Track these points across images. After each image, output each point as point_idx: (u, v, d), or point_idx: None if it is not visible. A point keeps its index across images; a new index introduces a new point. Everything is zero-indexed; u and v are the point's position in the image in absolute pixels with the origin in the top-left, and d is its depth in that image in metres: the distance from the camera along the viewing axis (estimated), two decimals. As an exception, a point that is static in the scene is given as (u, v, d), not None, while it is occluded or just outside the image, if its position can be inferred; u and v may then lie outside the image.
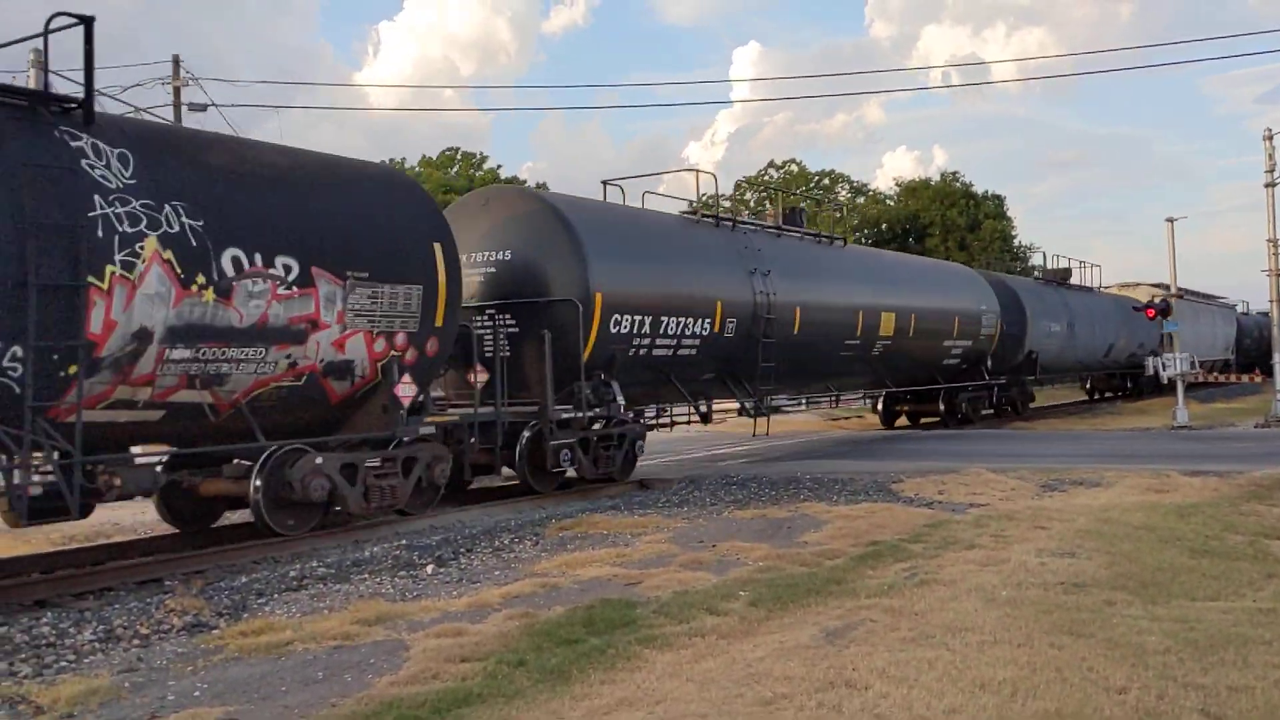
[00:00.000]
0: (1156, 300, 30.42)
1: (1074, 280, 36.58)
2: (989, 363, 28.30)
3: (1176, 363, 28.22)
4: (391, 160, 51.95)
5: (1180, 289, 38.45)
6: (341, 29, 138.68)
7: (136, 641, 7.71)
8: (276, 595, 9.09)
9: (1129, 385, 41.84)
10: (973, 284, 28.20)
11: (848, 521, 11.89)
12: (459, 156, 57.95)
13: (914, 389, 26.31)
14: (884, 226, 58.90)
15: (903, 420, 29.48)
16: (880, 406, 29.52)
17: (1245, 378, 40.75)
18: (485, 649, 7.01)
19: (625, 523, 12.31)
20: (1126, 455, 18.43)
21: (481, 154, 62.01)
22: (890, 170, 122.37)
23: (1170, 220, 36.10)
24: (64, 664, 7.17)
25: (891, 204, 61.88)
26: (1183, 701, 5.66)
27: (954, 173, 64.01)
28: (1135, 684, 5.91)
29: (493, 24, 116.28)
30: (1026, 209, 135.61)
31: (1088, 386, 43.19)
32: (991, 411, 29.99)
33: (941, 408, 27.42)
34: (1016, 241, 62.76)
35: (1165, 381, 30.81)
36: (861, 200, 64.02)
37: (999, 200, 62.61)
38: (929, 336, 25.03)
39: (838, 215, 63.10)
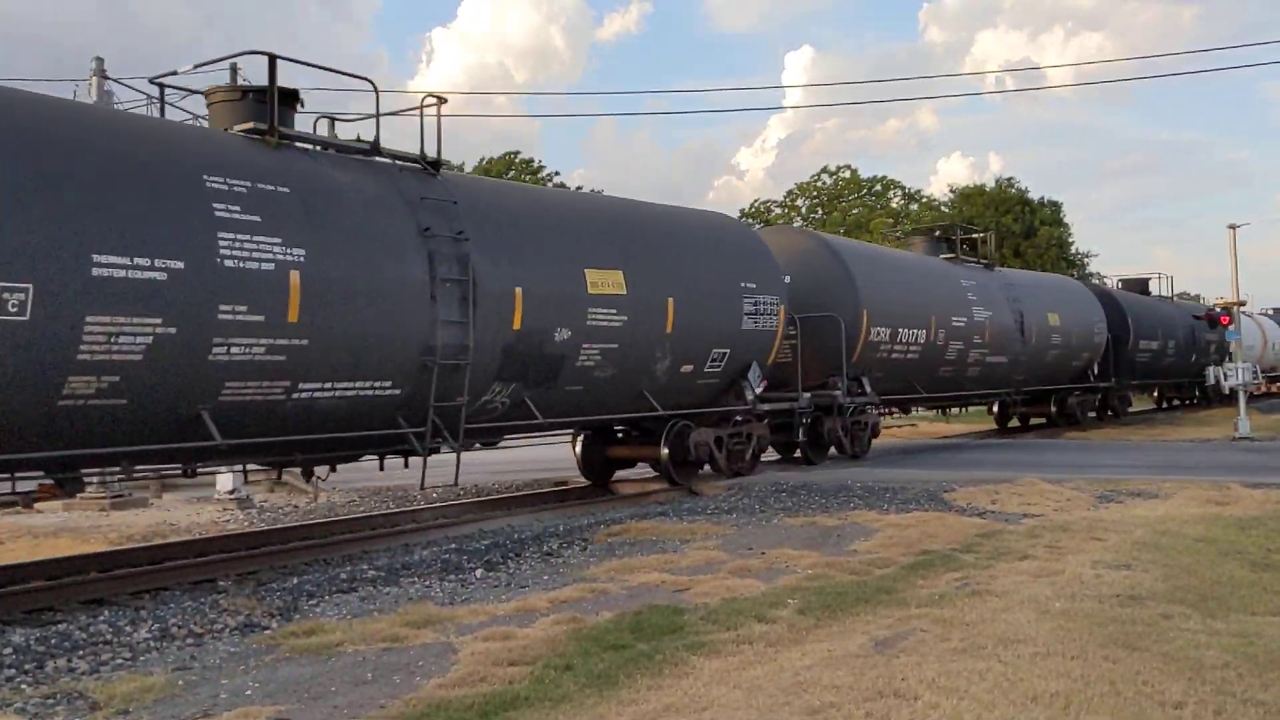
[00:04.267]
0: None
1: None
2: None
3: (1239, 373, 27.70)
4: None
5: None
6: (397, 36, 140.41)
7: (190, 640, 7.83)
8: (327, 596, 9.19)
9: None
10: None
11: (898, 530, 11.78)
12: (516, 161, 58.29)
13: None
14: (938, 234, 58.28)
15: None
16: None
17: None
18: (533, 653, 7.03)
19: (673, 529, 12.29)
20: (1186, 466, 18.05)
21: (538, 161, 62.35)
22: (944, 176, 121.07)
23: (1232, 227, 35.33)
24: (120, 661, 7.29)
25: (946, 210, 61.25)
26: (1241, 717, 5.54)
27: (1009, 179, 63.18)
28: (1192, 699, 5.78)
29: (546, 31, 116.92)
30: (1085, 216, 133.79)
31: None
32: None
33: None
34: (1074, 249, 61.88)
35: (1227, 392, 29.83)
36: (915, 207, 63.51)
37: (1056, 206, 61.65)
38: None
39: (890, 222, 63.02)
